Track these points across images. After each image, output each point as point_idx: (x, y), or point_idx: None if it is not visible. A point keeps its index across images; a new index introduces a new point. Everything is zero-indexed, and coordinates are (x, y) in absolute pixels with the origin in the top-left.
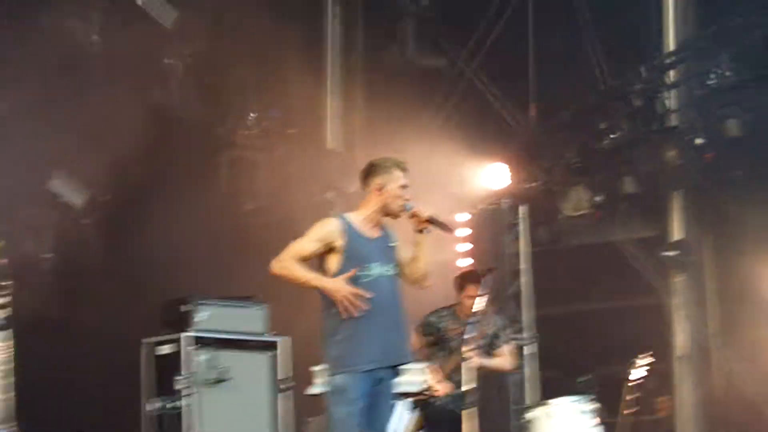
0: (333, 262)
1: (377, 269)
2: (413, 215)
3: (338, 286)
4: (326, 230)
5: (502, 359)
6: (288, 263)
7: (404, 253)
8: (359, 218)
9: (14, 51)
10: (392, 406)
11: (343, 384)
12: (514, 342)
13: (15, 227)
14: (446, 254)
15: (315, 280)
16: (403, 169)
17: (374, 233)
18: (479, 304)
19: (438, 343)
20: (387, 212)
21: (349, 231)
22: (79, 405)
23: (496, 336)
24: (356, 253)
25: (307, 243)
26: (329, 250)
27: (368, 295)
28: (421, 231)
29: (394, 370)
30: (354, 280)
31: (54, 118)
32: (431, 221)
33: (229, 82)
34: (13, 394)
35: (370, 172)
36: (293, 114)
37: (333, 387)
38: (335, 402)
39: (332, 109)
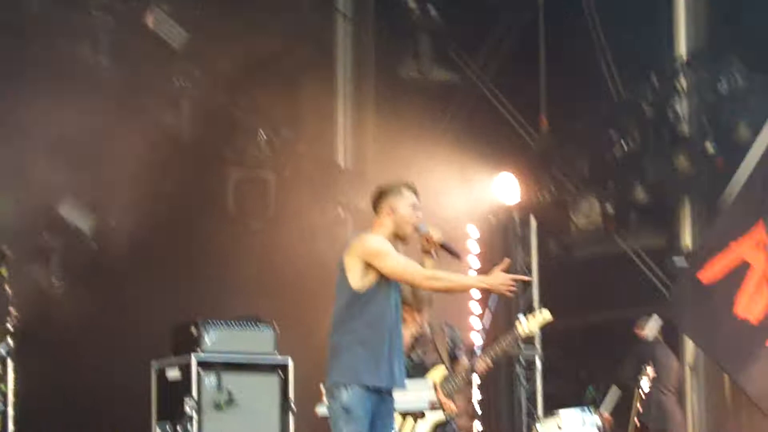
0: (369, 274)
1: (393, 292)
2: (427, 239)
3: (500, 279)
4: (389, 244)
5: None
6: (437, 275)
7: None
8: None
9: (25, 74)
10: (393, 425)
11: (351, 402)
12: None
13: (22, 252)
14: (455, 268)
15: (477, 282)
16: (413, 191)
17: None
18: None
19: None
20: (400, 234)
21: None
22: (88, 429)
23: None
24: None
25: (399, 255)
26: (368, 265)
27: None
28: (428, 252)
29: (392, 395)
30: (382, 299)
31: (64, 142)
32: (443, 246)
33: (239, 101)
34: (13, 427)
35: (380, 195)
36: (304, 132)
37: (341, 404)
38: (343, 420)
39: (343, 127)
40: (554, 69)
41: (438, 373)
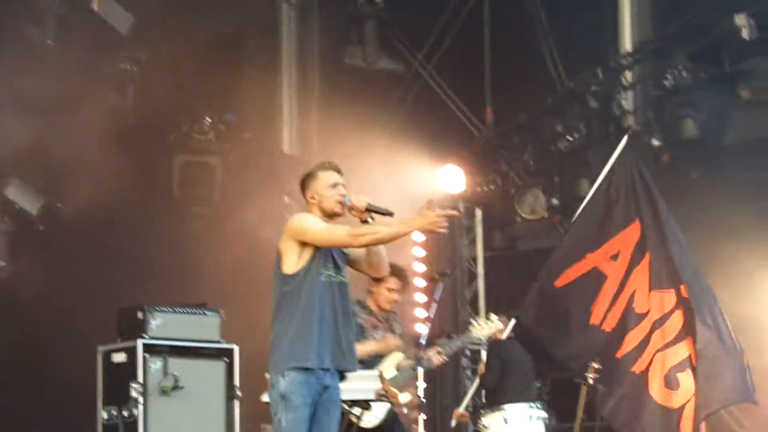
0: (304, 255)
1: (330, 272)
2: (351, 208)
3: (427, 219)
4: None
5: None
6: (364, 229)
7: (358, 251)
8: None
9: None
10: (339, 415)
11: (289, 389)
12: None
13: None
14: (401, 258)
15: (407, 227)
16: (329, 169)
17: None
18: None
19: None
20: (328, 214)
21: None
22: (34, 413)
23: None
24: (321, 252)
25: (323, 223)
26: (303, 244)
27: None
28: (365, 221)
29: (340, 378)
30: (312, 278)
31: (8, 123)
32: (369, 209)
33: (184, 85)
34: None
35: (302, 186)
36: (249, 118)
37: (279, 392)
38: (281, 408)
39: (288, 113)
40: (499, 60)
41: (393, 359)
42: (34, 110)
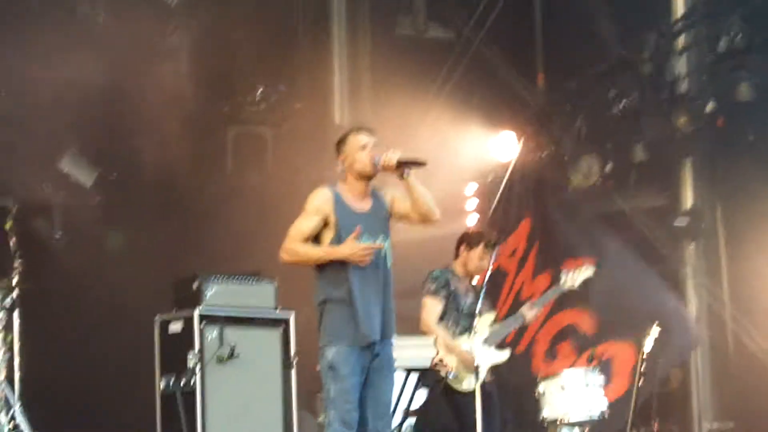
0: (327, 237)
1: (365, 243)
2: (384, 167)
3: (348, 249)
4: (319, 201)
5: None
6: (292, 247)
7: (404, 204)
8: (345, 191)
9: (25, 29)
10: (392, 382)
11: (336, 359)
12: None
13: (25, 206)
14: (456, 226)
15: (326, 254)
16: (359, 131)
17: (364, 205)
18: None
19: (449, 303)
20: (361, 176)
21: (339, 204)
22: (92, 383)
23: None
24: (346, 228)
25: (304, 221)
26: (325, 224)
27: (377, 246)
28: (402, 176)
29: (390, 343)
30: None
31: (62, 97)
32: (402, 164)
33: (236, 56)
34: (19, 374)
35: (336, 150)
36: (301, 88)
37: (327, 362)
38: (329, 378)
39: (339, 84)
40: (552, 26)
41: (486, 320)
42: (86, 85)
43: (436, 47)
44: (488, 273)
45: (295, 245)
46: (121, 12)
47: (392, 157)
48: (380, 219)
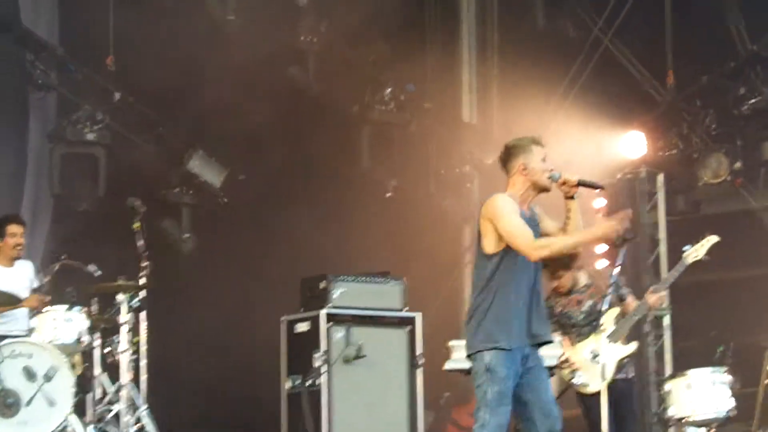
0: (502, 239)
1: None
2: (563, 183)
3: (606, 228)
4: (512, 204)
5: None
6: (543, 243)
7: (549, 224)
8: (516, 197)
9: (155, 32)
10: (548, 377)
11: (494, 362)
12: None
13: (153, 207)
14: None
15: (583, 237)
16: (541, 144)
17: (527, 213)
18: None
19: (557, 329)
20: (538, 188)
21: (518, 210)
22: (220, 383)
23: (617, 286)
24: None
25: (517, 218)
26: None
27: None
28: (571, 197)
29: (538, 347)
30: (511, 259)
31: (192, 98)
32: (581, 184)
33: (365, 55)
34: (145, 376)
35: (510, 154)
36: (429, 88)
37: (483, 365)
38: (486, 380)
39: (468, 82)
40: (681, 23)
41: (612, 315)
42: (216, 84)
43: (565, 45)
44: (617, 269)
45: (544, 241)
46: (251, 12)
47: (574, 175)
48: (537, 228)
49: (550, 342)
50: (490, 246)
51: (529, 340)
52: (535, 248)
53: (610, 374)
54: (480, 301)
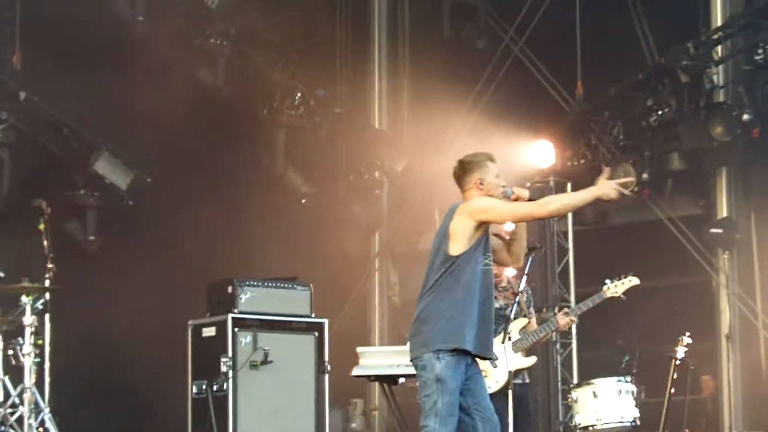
0: (474, 237)
1: (488, 260)
2: (516, 198)
3: (605, 188)
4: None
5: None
6: (547, 198)
7: (495, 241)
8: None
9: (62, 32)
10: (485, 384)
11: (445, 372)
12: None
13: (58, 208)
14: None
15: (583, 197)
16: (494, 161)
17: None
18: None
19: None
20: None
21: None
22: (125, 387)
23: (529, 300)
24: (487, 239)
25: (505, 203)
26: (479, 225)
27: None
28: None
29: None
30: (474, 263)
31: (99, 99)
32: (531, 200)
33: (275, 60)
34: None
35: (465, 170)
36: (339, 93)
37: (435, 374)
38: (436, 391)
39: (378, 88)
40: (590, 34)
41: (518, 325)
42: (123, 85)
43: (475, 54)
44: (524, 279)
45: (548, 197)
46: (161, 14)
47: (526, 193)
48: (487, 245)
49: (490, 359)
50: (457, 248)
51: (476, 350)
52: (541, 204)
53: (504, 380)
54: (434, 305)
